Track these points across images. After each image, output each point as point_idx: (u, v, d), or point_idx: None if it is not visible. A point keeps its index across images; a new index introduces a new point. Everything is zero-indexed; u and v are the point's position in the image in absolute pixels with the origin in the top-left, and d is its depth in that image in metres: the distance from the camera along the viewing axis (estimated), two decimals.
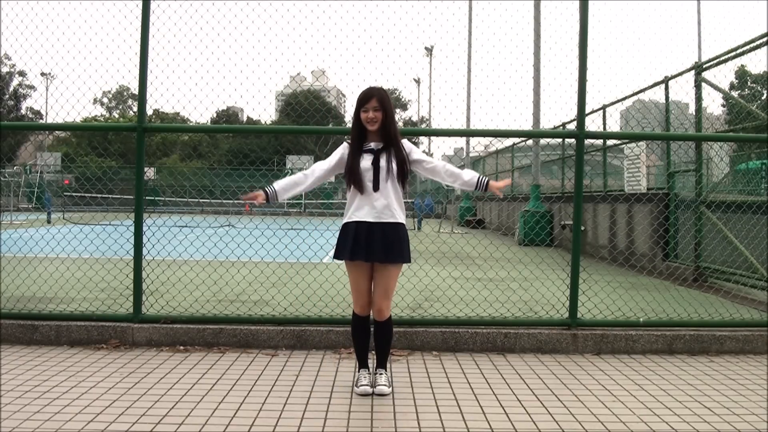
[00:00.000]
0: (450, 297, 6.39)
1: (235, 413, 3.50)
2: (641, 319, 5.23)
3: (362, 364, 3.98)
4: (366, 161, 3.77)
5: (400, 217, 3.80)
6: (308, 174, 3.89)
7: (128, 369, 4.30)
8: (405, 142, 3.89)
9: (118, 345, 4.88)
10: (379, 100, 3.74)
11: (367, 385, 3.87)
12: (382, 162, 3.76)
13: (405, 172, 3.82)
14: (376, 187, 3.74)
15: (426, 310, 5.65)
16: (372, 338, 3.97)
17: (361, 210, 3.75)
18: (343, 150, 3.88)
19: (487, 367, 4.52)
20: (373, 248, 3.71)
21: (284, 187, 3.89)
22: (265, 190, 3.86)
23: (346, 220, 3.81)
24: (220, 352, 4.79)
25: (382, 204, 3.74)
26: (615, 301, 5.92)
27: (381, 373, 3.93)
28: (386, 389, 3.85)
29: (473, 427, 3.36)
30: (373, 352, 4.01)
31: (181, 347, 4.87)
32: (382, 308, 3.81)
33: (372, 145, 3.81)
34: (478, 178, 3.91)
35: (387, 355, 3.99)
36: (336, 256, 3.84)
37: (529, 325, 5.15)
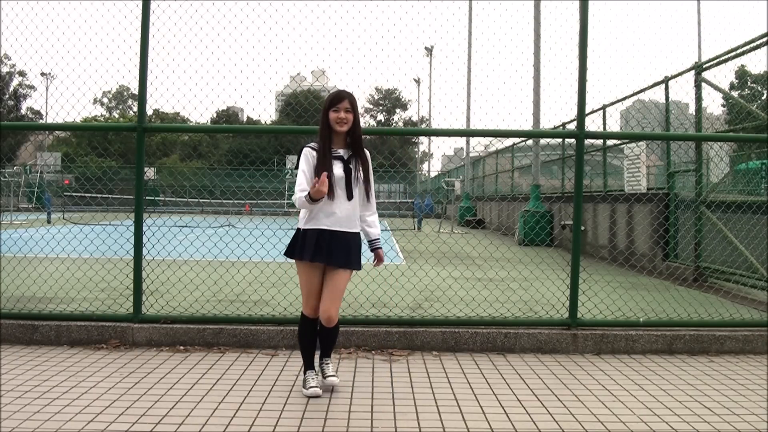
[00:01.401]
0: (450, 297, 6.39)
1: (235, 413, 3.50)
2: (641, 319, 5.23)
3: (309, 366, 3.93)
4: (338, 168, 3.70)
5: (357, 227, 3.82)
6: (302, 189, 3.70)
7: (128, 369, 4.29)
8: (366, 151, 3.84)
9: (118, 345, 4.88)
10: (350, 102, 3.72)
11: (316, 386, 3.82)
12: (353, 171, 3.73)
13: (371, 182, 3.83)
14: (350, 196, 3.71)
15: (426, 310, 5.65)
16: (318, 340, 3.93)
17: (329, 218, 3.69)
18: (309, 158, 3.73)
19: (487, 367, 4.52)
20: (334, 253, 3.68)
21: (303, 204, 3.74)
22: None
23: (308, 226, 3.72)
24: (220, 352, 4.79)
25: (348, 213, 3.72)
26: (615, 301, 5.92)
27: (328, 363, 3.95)
28: (336, 379, 3.89)
29: (473, 427, 3.36)
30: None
31: (181, 347, 4.87)
32: (332, 314, 3.74)
33: (341, 152, 3.76)
34: (375, 239, 3.88)
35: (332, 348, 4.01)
36: (291, 256, 3.79)
37: (529, 325, 5.15)
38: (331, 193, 3.65)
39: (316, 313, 3.82)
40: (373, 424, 3.39)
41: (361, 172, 3.77)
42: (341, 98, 3.72)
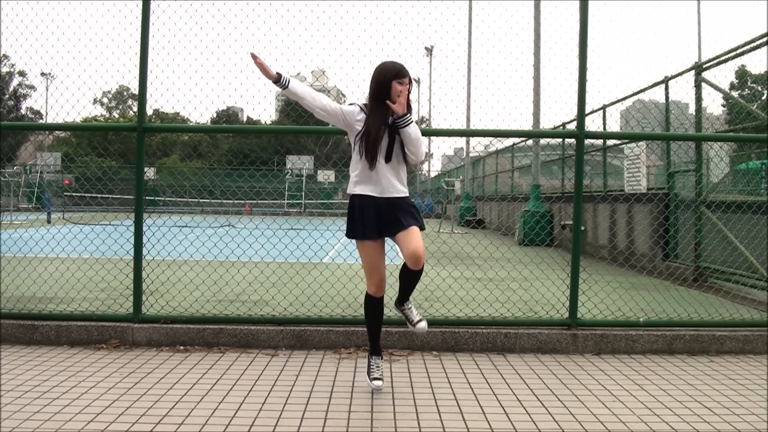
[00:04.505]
0: (450, 297, 6.38)
1: (235, 413, 3.50)
2: (641, 319, 5.23)
3: (376, 350, 3.95)
4: (385, 134, 3.72)
5: (406, 190, 3.83)
6: (322, 102, 3.73)
7: (128, 369, 4.29)
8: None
9: (118, 345, 4.88)
10: (409, 80, 3.76)
11: (380, 378, 3.86)
12: (396, 139, 3.75)
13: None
14: (388, 159, 3.72)
15: (426, 310, 5.65)
16: (400, 278, 3.88)
17: (376, 185, 3.72)
18: (357, 112, 3.75)
19: (487, 367, 4.52)
20: (399, 219, 3.69)
21: (300, 85, 3.74)
22: (280, 74, 3.69)
23: (359, 191, 3.74)
24: (220, 352, 4.79)
25: (392, 176, 3.74)
26: (615, 301, 5.92)
27: (410, 307, 3.93)
28: (425, 324, 3.87)
29: (473, 427, 3.36)
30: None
31: (181, 347, 4.87)
32: (420, 252, 3.65)
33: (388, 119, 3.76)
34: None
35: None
36: (354, 236, 3.80)
37: (529, 325, 5.15)
38: (374, 162, 3.67)
39: (381, 291, 3.83)
40: (373, 424, 3.39)
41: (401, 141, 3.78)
42: (405, 73, 3.74)
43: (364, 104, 3.83)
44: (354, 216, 3.79)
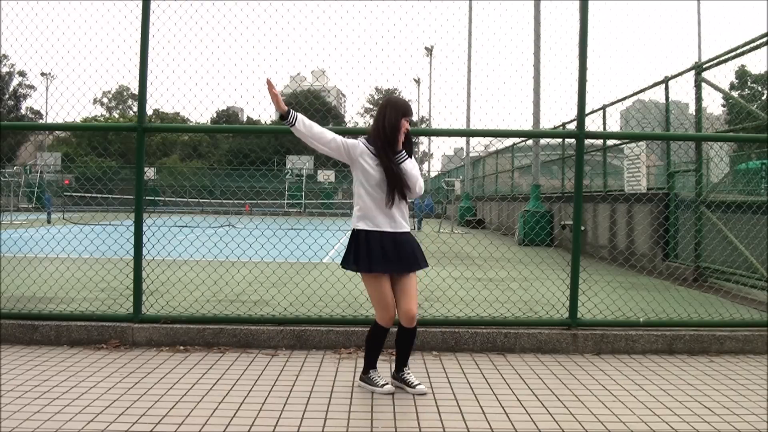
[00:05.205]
0: (450, 297, 6.39)
1: (235, 413, 3.50)
2: (641, 319, 5.23)
3: (374, 365, 3.98)
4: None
5: (408, 226, 3.91)
6: (329, 139, 3.78)
7: (128, 369, 4.29)
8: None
9: (118, 345, 4.88)
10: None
11: (388, 383, 3.89)
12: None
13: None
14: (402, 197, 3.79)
15: (426, 310, 5.64)
16: (396, 344, 3.95)
17: (386, 219, 3.76)
18: (360, 148, 3.79)
19: (487, 367, 4.52)
20: (403, 258, 3.75)
21: (306, 125, 3.77)
22: (290, 110, 3.73)
23: (365, 227, 3.76)
24: (220, 352, 4.79)
25: (399, 214, 3.80)
26: (615, 301, 5.92)
27: (409, 372, 3.97)
28: (424, 387, 3.91)
29: (473, 427, 3.36)
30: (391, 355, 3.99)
31: (181, 347, 4.87)
32: (414, 313, 3.79)
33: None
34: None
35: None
36: (356, 269, 3.82)
37: (529, 325, 5.15)
38: (391, 201, 3.73)
39: (391, 323, 3.85)
40: (373, 424, 3.39)
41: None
42: (412, 111, 3.88)
43: (366, 138, 3.87)
44: (359, 249, 3.78)
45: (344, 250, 3.91)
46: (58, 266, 6.79)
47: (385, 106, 3.84)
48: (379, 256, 3.72)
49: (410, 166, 3.77)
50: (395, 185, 3.72)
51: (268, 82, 3.76)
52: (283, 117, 3.75)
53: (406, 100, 3.93)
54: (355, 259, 3.78)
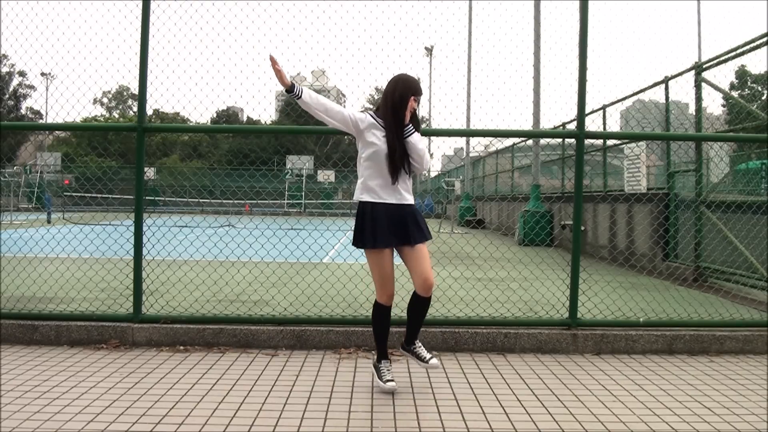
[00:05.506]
0: (450, 297, 6.39)
1: (235, 413, 3.50)
2: (641, 319, 5.23)
3: (384, 354, 3.97)
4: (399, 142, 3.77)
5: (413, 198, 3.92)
6: (336, 110, 3.79)
7: (128, 369, 4.30)
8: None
9: (118, 345, 4.88)
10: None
11: (393, 380, 3.87)
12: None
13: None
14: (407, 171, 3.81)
15: None
16: (408, 313, 3.94)
17: (389, 192, 3.76)
18: (368, 120, 3.80)
19: (487, 367, 4.52)
20: (410, 230, 3.74)
21: (312, 97, 3.77)
22: (294, 84, 3.73)
23: (368, 198, 3.77)
24: (220, 352, 4.79)
25: (404, 187, 3.81)
26: (615, 301, 5.92)
27: (420, 346, 3.97)
28: (437, 361, 3.92)
29: (473, 427, 3.36)
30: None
31: (181, 347, 4.87)
32: (431, 280, 3.77)
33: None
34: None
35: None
36: (362, 246, 3.80)
37: (529, 325, 5.15)
38: (397, 174, 3.72)
39: (391, 300, 3.85)
40: (373, 424, 3.39)
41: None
42: (421, 90, 3.86)
43: (374, 111, 3.87)
44: (364, 224, 3.79)
45: (353, 229, 3.91)
46: (58, 266, 6.79)
47: (396, 81, 3.84)
48: (385, 229, 3.72)
49: (417, 139, 3.78)
50: (402, 158, 3.73)
51: (271, 58, 3.74)
52: (289, 91, 3.75)
53: (416, 78, 3.92)
54: (362, 235, 3.78)
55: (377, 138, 3.76)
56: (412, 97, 3.77)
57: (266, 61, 3.76)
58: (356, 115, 3.84)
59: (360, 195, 3.81)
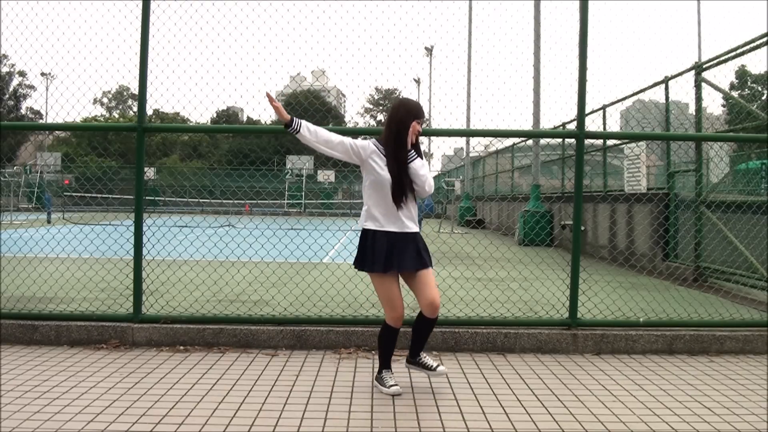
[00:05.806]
0: (450, 297, 6.38)
1: (235, 413, 3.50)
2: (641, 319, 5.23)
3: (387, 365, 3.98)
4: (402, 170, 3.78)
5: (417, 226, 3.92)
6: (336, 142, 3.80)
7: (128, 369, 4.29)
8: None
9: (118, 345, 4.88)
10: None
11: (397, 384, 3.89)
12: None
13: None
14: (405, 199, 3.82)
15: None
16: (414, 332, 3.98)
17: (393, 220, 3.78)
18: (370, 148, 3.81)
19: (487, 367, 4.52)
20: (410, 256, 3.77)
21: (311, 131, 3.79)
22: (293, 118, 3.79)
23: (373, 227, 3.79)
24: (220, 352, 4.79)
25: (407, 215, 3.82)
26: (615, 301, 5.92)
27: (426, 356, 3.99)
28: (444, 368, 3.97)
29: (473, 427, 3.36)
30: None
31: (181, 347, 4.87)
32: (438, 303, 3.82)
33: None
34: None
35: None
36: (363, 268, 3.83)
37: (529, 325, 5.15)
38: (399, 202, 3.74)
39: (400, 322, 3.86)
40: (373, 424, 3.39)
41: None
42: (424, 114, 3.87)
43: (376, 140, 3.88)
44: (365, 249, 3.82)
45: (355, 251, 3.95)
46: (58, 266, 6.78)
47: (397, 107, 3.87)
48: (384, 255, 3.74)
49: (418, 165, 3.78)
50: (404, 185, 3.74)
51: (269, 96, 3.82)
52: (288, 126, 3.80)
53: (418, 102, 3.95)
54: (363, 259, 3.82)
55: (379, 166, 3.77)
56: (415, 121, 3.78)
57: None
58: (358, 143, 3.84)
59: (364, 222, 3.84)
